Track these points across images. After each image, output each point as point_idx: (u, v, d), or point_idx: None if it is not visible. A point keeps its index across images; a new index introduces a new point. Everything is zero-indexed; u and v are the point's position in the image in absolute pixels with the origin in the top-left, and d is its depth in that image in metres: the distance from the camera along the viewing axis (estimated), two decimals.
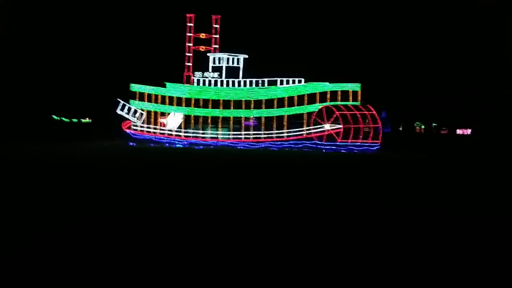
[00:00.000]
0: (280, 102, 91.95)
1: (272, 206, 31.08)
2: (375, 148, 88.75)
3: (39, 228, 24.08)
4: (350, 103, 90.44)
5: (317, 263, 19.46)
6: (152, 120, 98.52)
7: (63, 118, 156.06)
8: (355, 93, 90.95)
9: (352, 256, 20.47)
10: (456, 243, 22.97)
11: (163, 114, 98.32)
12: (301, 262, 19.44)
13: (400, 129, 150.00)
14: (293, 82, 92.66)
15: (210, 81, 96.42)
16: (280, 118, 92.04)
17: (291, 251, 20.90)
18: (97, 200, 32.05)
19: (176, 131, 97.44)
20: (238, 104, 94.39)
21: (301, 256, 20.20)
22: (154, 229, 24.13)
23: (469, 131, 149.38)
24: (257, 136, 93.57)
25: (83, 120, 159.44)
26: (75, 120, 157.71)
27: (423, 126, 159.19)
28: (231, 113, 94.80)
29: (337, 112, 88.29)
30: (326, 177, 48.76)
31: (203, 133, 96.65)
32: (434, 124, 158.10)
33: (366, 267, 19.06)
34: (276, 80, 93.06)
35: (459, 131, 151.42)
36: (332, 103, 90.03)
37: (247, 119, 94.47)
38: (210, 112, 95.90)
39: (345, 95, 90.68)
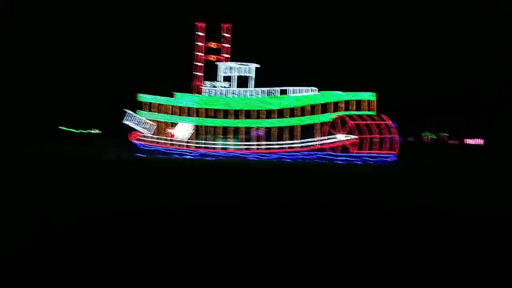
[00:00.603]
0: (293, 112, 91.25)
1: (272, 208, 31.01)
2: (391, 159, 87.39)
3: (39, 228, 23.95)
4: (365, 112, 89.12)
5: (317, 263, 19.19)
6: (161, 130, 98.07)
7: (72, 130, 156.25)
8: (370, 102, 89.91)
9: (352, 256, 20.23)
10: (453, 243, 23.24)
11: (171, 125, 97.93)
12: (301, 263, 19.16)
13: (410, 139, 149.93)
14: (306, 91, 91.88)
15: (220, 91, 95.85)
16: (292, 128, 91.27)
17: (290, 251, 20.76)
18: (97, 202, 32.04)
19: (185, 142, 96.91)
20: (249, 114, 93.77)
21: (300, 257, 19.94)
22: (153, 230, 24.34)
23: (481, 141, 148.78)
24: (269, 146, 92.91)
25: (91, 131, 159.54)
26: (84, 131, 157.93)
27: (434, 136, 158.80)
28: (242, 123, 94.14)
29: (350, 121, 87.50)
30: (328, 181, 48.53)
31: (213, 144, 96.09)
32: (445, 134, 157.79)
33: (365, 267, 18.77)
34: (289, 90, 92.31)
35: (470, 141, 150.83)
36: (347, 112, 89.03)
37: (256, 129, 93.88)
38: (220, 122, 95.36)
39: (359, 104, 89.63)
